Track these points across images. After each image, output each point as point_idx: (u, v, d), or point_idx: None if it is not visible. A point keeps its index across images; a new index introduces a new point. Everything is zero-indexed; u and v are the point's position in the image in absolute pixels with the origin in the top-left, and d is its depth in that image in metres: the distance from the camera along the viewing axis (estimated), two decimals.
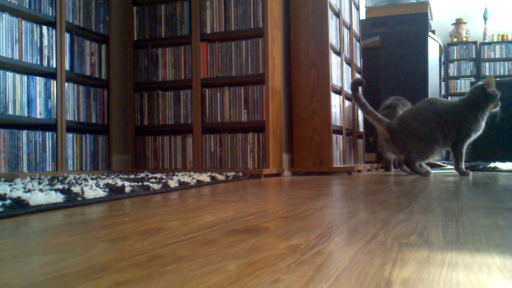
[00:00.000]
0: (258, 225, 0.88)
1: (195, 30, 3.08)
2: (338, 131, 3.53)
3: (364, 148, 4.33)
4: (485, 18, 7.93)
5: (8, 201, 1.11)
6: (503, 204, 1.20)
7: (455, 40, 8.04)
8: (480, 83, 2.87)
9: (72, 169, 2.73)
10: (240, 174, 2.70)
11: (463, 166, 2.79)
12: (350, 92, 3.84)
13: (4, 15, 2.36)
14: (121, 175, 2.50)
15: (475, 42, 7.90)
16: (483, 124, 2.76)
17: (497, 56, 7.82)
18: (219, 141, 3.02)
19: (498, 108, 2.74)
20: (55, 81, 2.63)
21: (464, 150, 2.79)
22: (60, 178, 2.18)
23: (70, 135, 2.72)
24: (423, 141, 2.76)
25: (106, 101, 3.02)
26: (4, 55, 2.35)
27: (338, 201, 1.33)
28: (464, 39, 8.00)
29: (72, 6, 2.76)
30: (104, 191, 1.46)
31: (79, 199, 1.32)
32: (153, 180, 1.97)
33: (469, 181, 2.22)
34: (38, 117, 2.53)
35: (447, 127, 2.74)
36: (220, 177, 2.34)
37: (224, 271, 0.54)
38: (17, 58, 2.42)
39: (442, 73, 6.96)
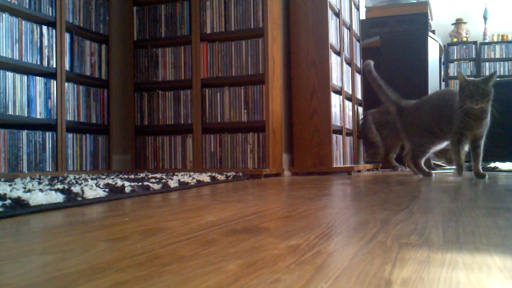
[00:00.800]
0: (258, 225, 0.88)
1: (195, 30, 3.08)
2: (338, 131, 3.53)
3: (364, 148, 4.33)
4: (485, 18, 7.93)
5: (8, 201, 1.11)
6: (503, 204, 1.20)
7: (455, 40, 8.04)
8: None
9: (72, 169, 2.73)
10: (240, 174, 2.70)
11: (460, 165, 2.64)
12: (350, 92, 3.84)
13: (4, 15, 2.36)
14: (121, 175, 2.50)
15: (475, 42, 7.90)
16: (470, 121, 2.49)
17: (497, 56, 7.82)
18: (219, 141, 3.02)
19: (479, 106, 2.42)
20: (55, 81, 2.63)
21: (459, 148, 2.59)
22: (60, 178, 2.18)
23: (70, 135, 2.72)
24: (421, 130, 2.83)
25: (106, 101, 3.02)
26: (4, 55, 2.35)
27: (338, 201, 1.33)
28: (464, 39, 8.00)
29: (72, 6, 2.76)
30: (104, 191, 1.46)
31: (79, 199, 1.32)
32: (153, 180, 1.97)
33: (469, 181, 2.22)
34: (38, 117, 2.53)
35: (442, 121, 2.73)
36: (220, 177, 2.34)
37: (224, 271, 0.54)
38: (17, 58, 2.42)
39: (442, 73, 6.96)
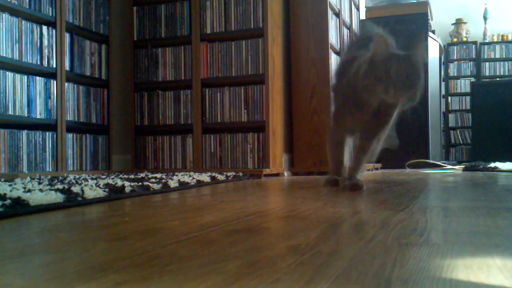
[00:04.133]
0: (258, 225, 0.88)
1: (195, 30, 3.08)
2: None
3: None
4: (485, 18, 7.93)
5: (8, 201, 1.11)
6: (503, 204, 1.20)
7: (455, 40, 8.04)
8: None
9: (72, 169, 2.73)
10: (240, 174, 2.70)
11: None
12: None
13: (4, 15, 2.36)
14: (121, 175, 2.50)
15: (475, 42, 7.89)
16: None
17: (497, 56, 7.81)
18: (219, 141, 3.02)
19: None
20: (55, 81, 2.63)
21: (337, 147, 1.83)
22: (60, 178, 2.18)
23: (70, 135, 2.72)
24: None
25: (106, 101, 3.02)
26: (4, 55, 2.35)
27: (338, 201, 1.33)
28: (464, 39, 7.99)
29: (72, 6, 2.76)
30: (104, 191, 1.46)
31: (79, 199, 1.32)
32: (153, 180, 1.97)
33: (469, 181, 2.22)
34: (38, 117, 2.53)
35: None
36: (220, 177, 2.34)
37: (224, 271, 0.54)
38: (17, 58, 2.42)
39: (442, 73, 6.95)
